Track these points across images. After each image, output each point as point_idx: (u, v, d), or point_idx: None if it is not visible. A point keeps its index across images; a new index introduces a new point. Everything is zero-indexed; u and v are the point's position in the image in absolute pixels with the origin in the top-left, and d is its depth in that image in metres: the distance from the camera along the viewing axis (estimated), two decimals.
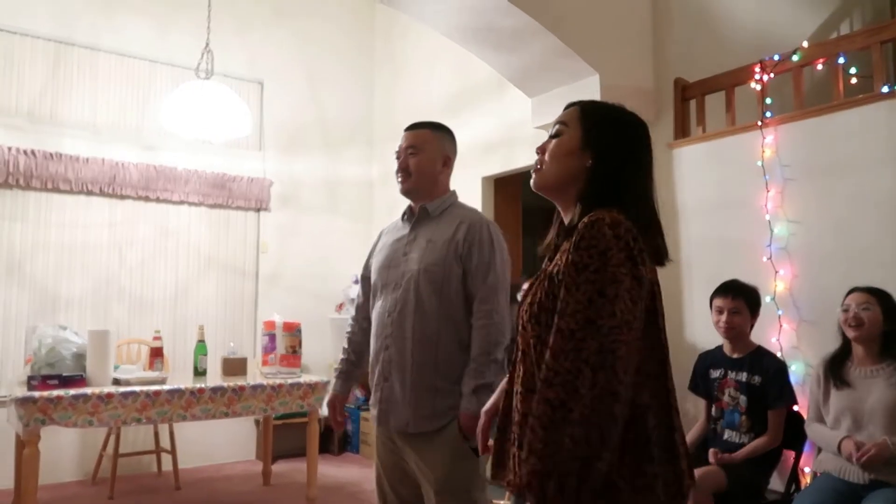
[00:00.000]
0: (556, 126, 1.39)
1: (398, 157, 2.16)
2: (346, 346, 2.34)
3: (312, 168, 5.68)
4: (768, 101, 3.26)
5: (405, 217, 2.21)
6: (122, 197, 4.81)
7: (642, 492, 1.19)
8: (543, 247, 1.44)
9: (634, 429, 1.20)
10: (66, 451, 4.44)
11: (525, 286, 1.50)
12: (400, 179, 2.15)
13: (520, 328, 1.35)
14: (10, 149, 4.39)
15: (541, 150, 1.40)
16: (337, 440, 5.37)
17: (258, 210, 5.40)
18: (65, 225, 4.63)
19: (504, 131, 4.62)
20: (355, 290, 5.46)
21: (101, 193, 4.72)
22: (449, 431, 1.98)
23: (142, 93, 4.97)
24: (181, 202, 5.04)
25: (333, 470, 4.81)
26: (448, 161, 2.19)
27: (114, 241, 4.79)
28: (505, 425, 1.40)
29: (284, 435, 4.97)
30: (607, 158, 1.33)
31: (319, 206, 5.73)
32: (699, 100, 3.60)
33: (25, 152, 4.45)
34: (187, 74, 4.52)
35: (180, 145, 4.94)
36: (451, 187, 2.23)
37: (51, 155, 4.53)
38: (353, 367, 2.33)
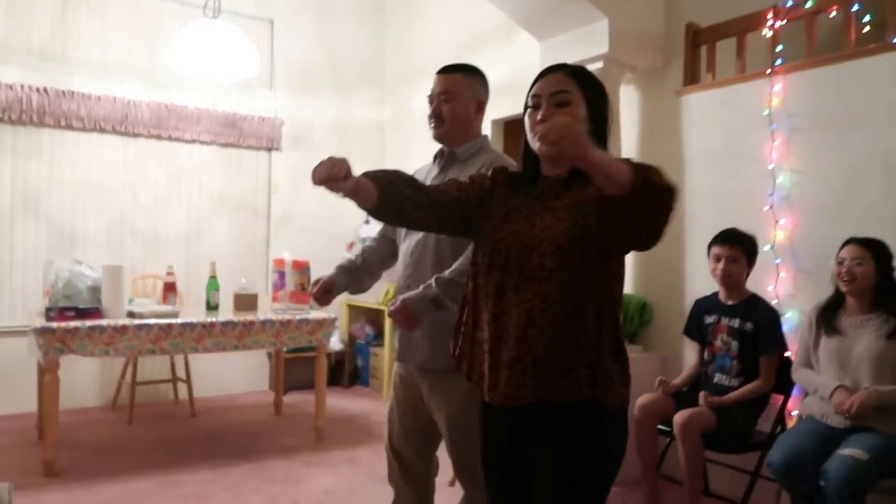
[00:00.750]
0: (561, 94, 1.47)
1: (431, 102, 2.13)
2: (358, 251, 2.36)
3: (323, 109, 5.69)
4: (779, 48, 3.21)
5: (436, 159, 2.22)
6: (135, 135, 4.87)
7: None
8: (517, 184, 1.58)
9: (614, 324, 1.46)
10: (86, 378, 4.65)
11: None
12: (433, 125, 2.13)
13: (548, 250, 1.43)
14: (22, 86, 4.45)
15: (547, 120, 1.44)
16: (347, 374, 5.57)
17: (269, 150, 5.45)
18: (79, 162, 4.71)
19: (514, 75, 4.58)
20: (365, 231, 5.53)
21: (114, 131, 4.79)
22: None
23: (151, 31, 4.97)
24: (193, 141, 5.10)
25: (343, 402, 5.00)
26: (481, 106, 2.16)
27: (127, 180, 4.88)
28: (496, 348, 1.48)
29: (296, 368, 5.16)
30: (603, 124, 1.51)
31: (331, 147, 5.75)
32: (710, 46, 3.54)
33: (38, 90, 4.50)
34: (196, 13, 4.50)
35: (191, 84, 4.96)
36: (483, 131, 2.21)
37: (63, 93, 4.58)
38: (356, 266, 2.30)
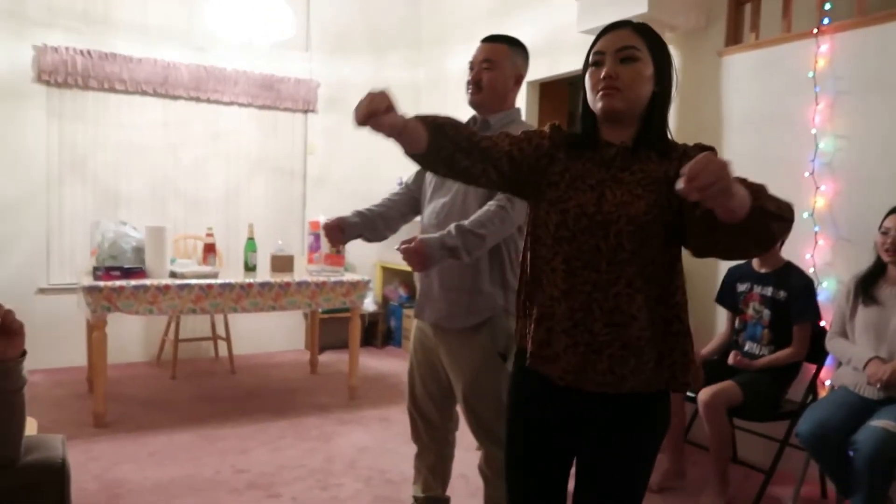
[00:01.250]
0: (628, 50, 1.37)
1: (471, 69, 2.14)
2: (379, 202, 2.37)
3: (359, 71, 5.68)
4: (827, 6, 3.08)
5: (468, 125, 2.23)
6: (175, 97, 4.95)
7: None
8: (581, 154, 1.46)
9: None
10: (132, 335, 4.85)
11: None
12: (471, 91, 2.14)
13: (626, 229, 1.35)
14: (67, 49, 4.54)
15: (615, 75, 1.37)
16: (380, 334, 5.67)
17: (306, 112, 5.48)
18: (122, 125, 4.82)
19: (550, 36, 4.51)
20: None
21: (155, 94, 4.87)
22: (483, 332, 2.09)
23: None
24: (231, 103, 5.16)
25: (375, 362, 5.11)
26: (520, 79, 2.17)
27: (168, 142, 4.98)
28: (574, 327, 1.40)
29: (331, 328, 5.28)
30: (668, 85, 1.44)
31: None
32: (754, 4, 3.42)
33: (82, 52, 4.59)
34: None
35: (228, 46, 5.00)
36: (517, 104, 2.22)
37: (105, 55, 4.67)
38: (373, 214, 2.30)
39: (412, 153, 1.39)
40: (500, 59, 2.10)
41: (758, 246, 1.23)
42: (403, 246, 1.89)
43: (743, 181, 1.16)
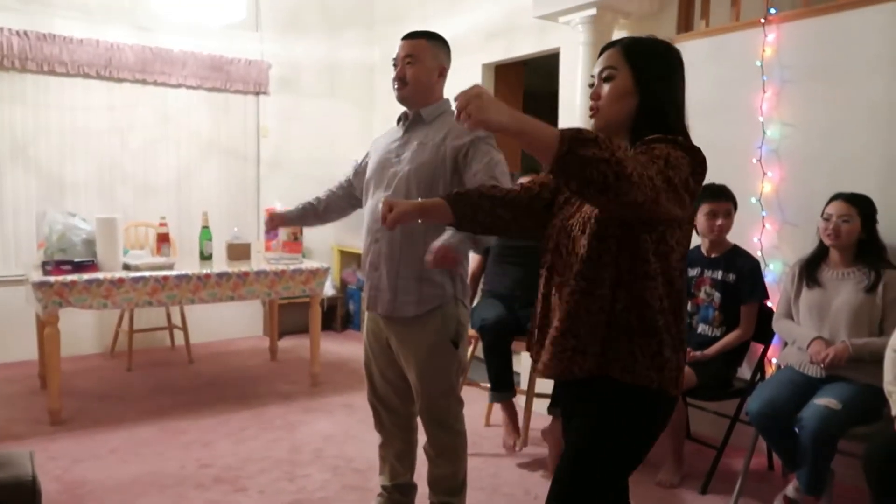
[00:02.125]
0: (606, 70, 1.47)
1: (395, 66, 2.22)
2: (322, 195, 2.58)
3: (312, 51, 5.58)
4: None
5: (400, 121, 2.30)
6: (120, 80, 4.78)
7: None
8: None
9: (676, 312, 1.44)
10: (84, 326, 4.72)
11: (524, 180, 1.73)
12: (397, 87, 2.21)
13: (578, 233, 1.45)
14: (2, 29, 4.33)
15: (596, 96, 1.48)
16: (339, 319, 5.67)
17: (257, 94, 5.37)
18: (64, 108, 4.64)
19: (505, 19, 4.51)
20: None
21: (98, 76, 4.69)
22: (432, 318, 2.15)
23: None
24: (179, 85, 5.01)
25: (336, 347, 5.12)
26: (443, 72, 2.25)
27: (114, 126, 4.82)
28: (543, 325, 1.55)
29: (290, 313, 5.26)
30: (656, 94, 1.45)
31: (320, 90, 5.67)
32: None
33: (18, 33, 4.38)
34: None
35: (175, 27, 4.85)
36: (445, 95, 2.27)
37: (44, 36, 4.46)
38: (313, 209, 2.57)
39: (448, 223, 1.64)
40: (422, 53, 2.19)
41: (591, 192, 1.21)
42: (431, 258, 1.88)
43: (565, 130, 1.19)
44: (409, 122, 2.24)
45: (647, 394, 1.43)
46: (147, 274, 3.50)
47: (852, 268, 2.65)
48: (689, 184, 1.34)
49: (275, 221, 2.64)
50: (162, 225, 4.01)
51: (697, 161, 1.37)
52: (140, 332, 4.61)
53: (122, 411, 3.65)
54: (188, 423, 3.49)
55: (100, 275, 3.39)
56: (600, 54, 1.53)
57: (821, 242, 2.73)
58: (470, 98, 1.20)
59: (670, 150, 1.33)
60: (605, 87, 1.47)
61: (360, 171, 2.43)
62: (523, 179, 3.47)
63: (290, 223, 2.74)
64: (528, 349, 1.65)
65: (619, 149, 1.21)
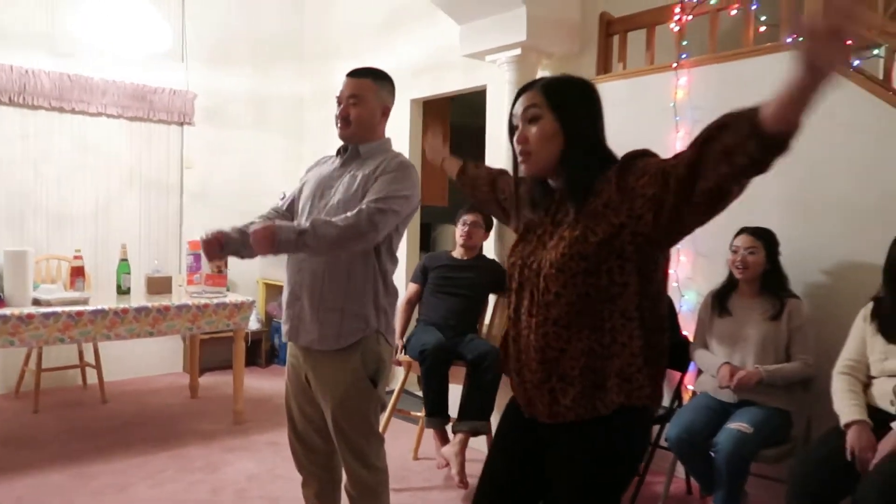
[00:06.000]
0: (531, 110, 1.47)
1: (339, 104, 2.18)
2: (255, 219, 2.26)
3: (239, 82, 5.53)
4: (685, 42, 3.37)
5: (339, 153, 2.28)
6: (35, 107, 4.60)
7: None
8: (529, 210, 1.59)
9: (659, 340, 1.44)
10: None
11: (469, 217, 1.88)
12: (340, 126, 2.18)
13: (550, 273, 1.42)
14: None
15: (523, 140, 1.48)
16: (264, 353, 5.53)
17: (182, 124, 5.26)
18: None
19: (434, 55, 4.61)
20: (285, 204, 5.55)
21: (11, 103, 4.50)
22: (351, 354, 2.11)
23: None
24: (99, 114, 4.85)
25: (260, 382, 4.98)
26: (387, 111, 2.23)
27: (27, 155, 4.61)
28: (520, 368, 1.50)
29: (212, 348, 5.09)
30: (581, 131, 1.48)
31: (247, 121, 5.61)
32: (622, 36, 3.68)
33: None
34: None
35: (96, 53, 4.71)
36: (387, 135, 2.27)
37: None
38: (251, 230, 2.22)
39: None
40: (366, 93, 2.16)
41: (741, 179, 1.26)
42: (253, 228, 1.85)
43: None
44: (347, 156, 2.23)
45: (640, 412, 1.44)
46: (59, 309, 3.33)
47: (759, 297, 2.80)
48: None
49: (216, 242, 2.07)
50: (76, 258, 3.84)
51: None
52: (49, 371, 4.35)
53: (28, 456, 3.42)
54: (101, 467, 3.30)
55: (7, 311, 3.20)
56: (518, 96, 1.53)
57: (730, 274, 2.89)
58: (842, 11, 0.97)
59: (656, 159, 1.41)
60: (532, 130, 1.47)
61: (291, 204, 2.37)
62: (467, 217, 3.60)
63: (233, 245, 2.10)
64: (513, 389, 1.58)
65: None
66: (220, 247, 2.10)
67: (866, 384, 2.40)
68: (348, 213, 1.98)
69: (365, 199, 2.03)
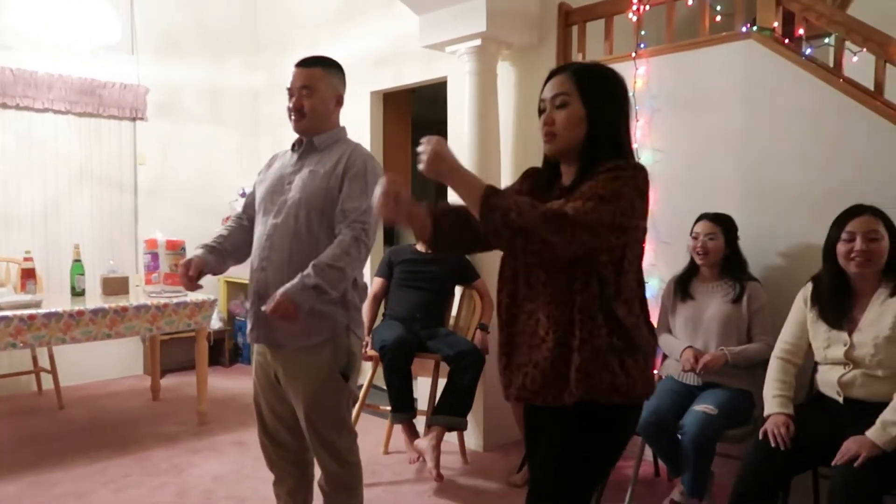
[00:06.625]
0: (560, 97, 1.50)
1: (291, 95, 2.15)
2: (223, 232, 2.31)
3: (192, 75, 5.39)
4: (643, 32, 3.41)
5: (294, 147, 2.24)
6: None
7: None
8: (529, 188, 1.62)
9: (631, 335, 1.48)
10: None
11: None
12: (294, 118, 2.15)
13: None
14: None
15: (550, 122, 1.51)
16: (227, 353, 5.43)
17: (134, 119, 5.11)
18: None
19: (394, 46, 4.57)
20: (241, 204, 5.48)
21: None
22: (321, 350, 2.09)
23: None
24: (45, 110, 4.68)
25: (225, 382, 4.89)
26: (340, 99, 2.21)
27: None
28: (510, 350, 1.56)
29: (173, 348, 4.97)
30: (606, 120, 1.50)
31: (201, 115, 5.48)
32: (581, 26, 3.70)
33: None
34: None
35: (40, 47, 4.53)
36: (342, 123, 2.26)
37: None
38: (221, 247, 2.26)
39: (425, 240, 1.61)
40: (318, 83, 2.14)
41: (510, 248, 1.41)
42: (268, 307, 1.92)
43: (488, 191, 1.36)
44: (303, 150, 2.20)
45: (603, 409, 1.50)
46: (10, 313, 3.20)
47: (719, 281, 2.86)
48: (627, 211, 1.40)
49: (199, 270, 2.15)
50: (27, 259, 3.70)
51: (639, 181, 1.45)
52: (1, 378, 4.19)
53: None
54: (60, 474, 3.20)
55: None
56: (548, 79, 1.56)
57: (691, 259, 2.94)
58: (432, 146, 1.39)
59: (610, 183, 1.39)
60: (560, 114, 1.50)
61: (250, 201, 2.35)
62: None
63: (209, 270, 2.20)
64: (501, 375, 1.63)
65: (527, 205, 1.34)
66: (200, 276, 2.17)
67: (801, 366, 2.48)
68: (336, 244, 2.02)
69: (340, 207, 2.05)
